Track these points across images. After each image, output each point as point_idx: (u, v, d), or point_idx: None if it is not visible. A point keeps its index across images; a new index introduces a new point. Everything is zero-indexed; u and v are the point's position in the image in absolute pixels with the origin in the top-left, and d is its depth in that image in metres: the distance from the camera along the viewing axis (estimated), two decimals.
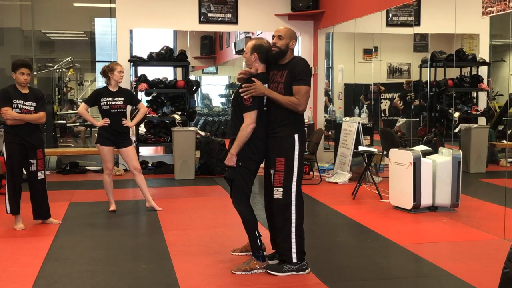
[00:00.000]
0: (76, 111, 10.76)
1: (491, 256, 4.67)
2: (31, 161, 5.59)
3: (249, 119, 4.11)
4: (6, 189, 5.58)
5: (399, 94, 9.66)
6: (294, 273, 4.17)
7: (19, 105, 5.46)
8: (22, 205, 5.64)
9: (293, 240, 4.16)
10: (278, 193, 4.15)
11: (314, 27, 9.84)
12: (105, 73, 6.20)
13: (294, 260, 4.17)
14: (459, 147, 8.17)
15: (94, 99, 6.21)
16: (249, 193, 4.27)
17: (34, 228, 5.63)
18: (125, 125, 6.23)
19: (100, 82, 9.15)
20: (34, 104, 5.53)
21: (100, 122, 6.19)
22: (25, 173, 5.72)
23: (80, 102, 11.61)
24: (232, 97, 4.37)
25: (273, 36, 4.30)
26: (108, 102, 6.11)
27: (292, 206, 4.16)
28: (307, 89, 4.15)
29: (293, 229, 4.16)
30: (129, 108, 6.58)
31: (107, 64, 6.35)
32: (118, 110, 6.16)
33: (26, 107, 5.48)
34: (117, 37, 9.44)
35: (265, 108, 4.22)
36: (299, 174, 4.18)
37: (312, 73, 4.35)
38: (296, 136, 4.16)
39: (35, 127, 5.59)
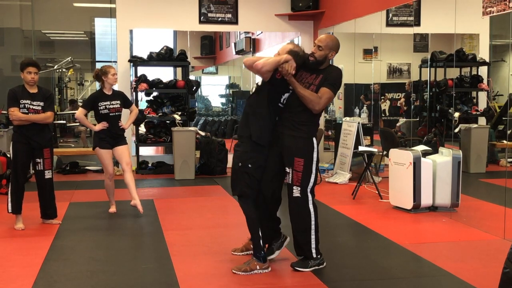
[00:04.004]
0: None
1: (491, 256, 4.67)
2: (38, 160, 5.60)
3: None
4: (10, 188, 5.61)
5: (404, 94, 9.66)
6: (317, 267, 4.27)
7: (26, 105, 5.46)
8: (24, 204, 5.64)
9: (313, 237, 4.29)
10: (296, 191, 4.24)
11: (314, 27, 9.85)
12: (99, 76, 6.16)
13: (314, 255, 4.29)
14: (459, 147, 8.16)
15: (92, 104, 6.19)
16: (255, 194, 4.29)
17: (34, 228, 5.63)
18: (121, 127, 6.24)
19: None
20: (42, 103, 5.53)
21: (97, 126, 6.17)
22: (33, 172, 5.74)
23: (80, 102, 11.61)
24: (253, 90, 4.38)
25: (314, 43, 4.34)
26: (107, 106, 6.11)
27: (310, 204, 4.27)
28: (331, 96, 4.22)
29: (312, 226, 4.28)
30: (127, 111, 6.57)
31: (99, 67, 6.33)
32: (116, 113, 6.18)
33: (34, 107, 5.48)
34: (117, 37, 9.44)
35: (281, 106, 4.27)
36: (316, 174, 4.30)
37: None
38: (314, 139, 4.28)
39: (42, 127, 5.58)
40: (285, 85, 4.22)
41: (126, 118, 6.48)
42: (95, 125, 6.22)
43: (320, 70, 4.30)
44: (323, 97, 4.17)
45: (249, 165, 4.19)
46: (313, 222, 4.28)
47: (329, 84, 4.21)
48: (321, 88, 4.19)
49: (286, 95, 4.28)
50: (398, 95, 9.81)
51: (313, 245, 4.29)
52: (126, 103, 6.42)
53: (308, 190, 4.26)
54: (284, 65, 4.13)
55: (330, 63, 4.49)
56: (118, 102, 6.19)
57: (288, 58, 4.16)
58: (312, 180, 4.27)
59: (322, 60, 4.29)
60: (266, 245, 4.49)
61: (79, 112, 6.21)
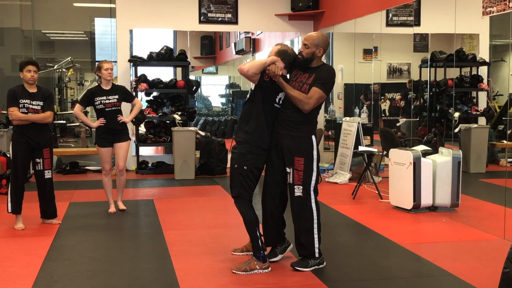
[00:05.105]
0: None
1: (491, 256, 4.67)
2: (37, 160, 5.59)
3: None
4: (9, 188, 5.60)
5: (400, 92, 9.68)
6: (317, 266, 4.27)
7: (25, 104, 5.45)
8: (24, 204, 5.64)
9: (316, 236, 4.28)
10: (298, 190, 4.25)
11: (314, 27, 9.84)
12: (96, 72, 6.22)
13: (317, 255, 4.28)
14: (459, 147, 8.17)
15: (88, 99, 6.18)
16: (251, 195, 4.29)
17: (34, 228, 5.63)
18: (121, 121, 6.21)
19: None
20: (41, 103, 5.52)
21: (95, 123, 6.18)
22: (33, 172, 5.74)
23: None
24: (251, 91, 4.40)
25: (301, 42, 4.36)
26: (102, 101, 6.09)
27: (312, 203, 4.28)
28: (322, 95, 4.21)
29: (315, 225, 4.28)
30: (128, 106, 6.56)
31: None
32: (113, 108, 6.13)
33: (33, 107, 5.48)
34: (117, 37, 9.44)
35: (277, 106, 4.27)
36: (317, 172, 4.31)
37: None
38: (313, 137, 4.27)
39: (42, 127, 5.58)
40: (277, 85, 4.22)
41: (128, 114, 6.46)
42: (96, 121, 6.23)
43: (313, 69, 4.29)
44: (313, 97, 4.16)
45: (245, 167, 4.19)
46: (315, 221, 4.28)
47: (319, 83, 4.19)
48: (312, 87, 4.19)
49: (281, 94, 4.28)
50: (398, 95, 9.82)
51: (316, 245, 4.29)
52: (127, 97, 6.39)
53: (311, 188, 4.27)
54: (271, 66, 4.13)
55: (324, 61, 4.49)
56: (116, 97, 6.16)
57: (274, 59, 4.17)
58: (313, 178, 4.27)
59: (310, 58, 4.28)
60: (269, 248, 4.49)
61: (76, 108, 6.23)
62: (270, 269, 4.24)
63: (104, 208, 6.40)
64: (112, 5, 9.67)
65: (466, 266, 4.38)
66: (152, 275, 4.21)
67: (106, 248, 4.98)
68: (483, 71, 8.70)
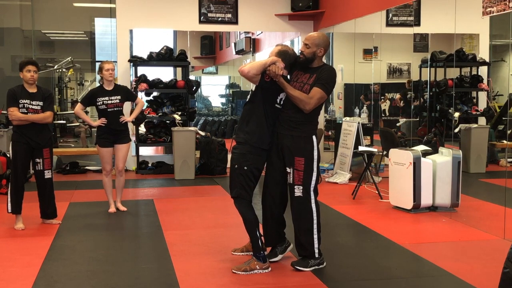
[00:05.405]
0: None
1: (491, 256, 4.67)
2: (37, 160, 5.59)
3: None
4: (9, 188, 5.60)
5: (400, 92, 9.69)
6: (317, 267, 4.27)
7: (25, 104, 5.45)
8: (24, 204, 5.64)
9: (315, 236, 4.29)
10: (298, 191, 4.25)
11: (314, 27, 9.84)
12: (98, 73, 6.24)
13: (317, 255, 4.29)
14: (459, 147, 8.17)
15: (89, 99, 6.19)
16: (251, 196, 4.29)
17: (34, 228, 5.63)
18: (123, 121, 6.21)
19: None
20: (41, 103, 5.52)
21: (96, 122, 6.18)
22: (33, 172, 5.74)
23: None
24: (251, 92, 4.39)
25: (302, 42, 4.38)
26: (104, 101, 6.09)
27: (312, 203, 4.28)
28: (323, 96, 4.21)
29: (315, 225, 4.28)
30: (129, 105, 6.56)
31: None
32: (115, 109, 6.13)
33: (33, 107, 5.48)
34: (117, 37, 9.44)
35: (278, 106, 4.27)
36: (317, 173, 4.31)
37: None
38: (314, 138, 4.28)
39: (42, 127, 5.58)
40: (278, 85, 4.22)
41: (128, 113, 6.46)
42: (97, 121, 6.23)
43: (314, 69, 4.29)
44: (314, 97, 4.17)
45: (245, 167, 4.19)
46: (315, 221, 4.29)
47: (321, 84, 4.20)
48: (313, 88, 4.19)
49: (282, 95, 4.28)
50: (398, 95, 9.83)
51: (316, 245, 4.29)
52: (130, 97, 6.41)
53: (311, 189, 4.27)
54: (271, 67, 4.13)
55: (324, 61, 4.49)
56: (118, 97, 6.16)
57: (274, 59, 4.17)
58: (314, 178, 4.27)
59: (311, 57, 4.29)
60: (269, 248, 4.49)
61: (77, 107, 6.25)
62: (270, 269, 4.25)
63: (104, 208, 6.40)
64: (112, 5, 9.67)
65: (466, 266, 4.38)
66: (152, 275, 4.22)
67: (106, 248, 4.98)
68: (483, 71, 8.71)
